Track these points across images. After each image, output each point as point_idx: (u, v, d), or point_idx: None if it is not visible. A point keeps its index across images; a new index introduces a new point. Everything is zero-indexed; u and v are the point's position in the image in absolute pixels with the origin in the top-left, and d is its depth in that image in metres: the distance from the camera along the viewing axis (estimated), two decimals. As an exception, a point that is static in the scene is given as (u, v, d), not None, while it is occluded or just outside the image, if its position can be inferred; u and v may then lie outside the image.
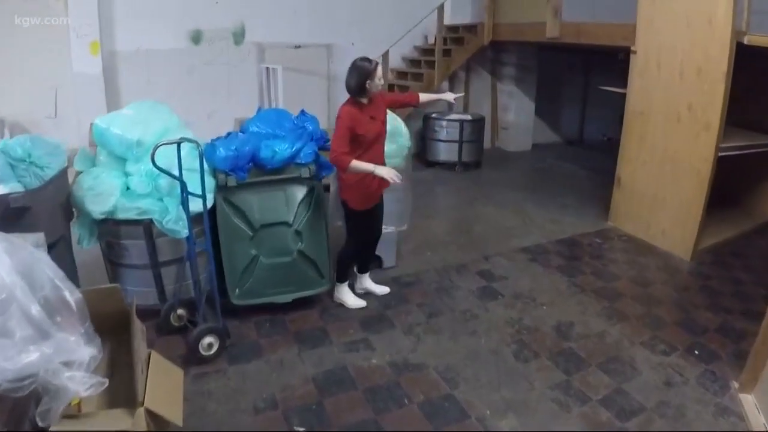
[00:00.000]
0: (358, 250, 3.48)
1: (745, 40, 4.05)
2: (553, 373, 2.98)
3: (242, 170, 3.11)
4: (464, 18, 7.70)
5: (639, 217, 5.14)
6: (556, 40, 6.04)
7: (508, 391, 2.82)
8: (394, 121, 3.67)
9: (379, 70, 3.02)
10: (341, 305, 3.55)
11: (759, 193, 5.95)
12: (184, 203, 2.79)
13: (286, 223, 3.27)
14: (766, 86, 5.02)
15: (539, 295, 3.89)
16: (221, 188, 3.09)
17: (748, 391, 2.87)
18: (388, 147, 3.68)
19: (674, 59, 4.50)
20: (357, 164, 2.95)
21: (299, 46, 6.68)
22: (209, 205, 2.92)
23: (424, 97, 3.54)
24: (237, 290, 3.22)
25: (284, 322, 3.33)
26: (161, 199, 2.94)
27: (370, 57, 3.10)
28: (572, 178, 7.39)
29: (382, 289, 3.73)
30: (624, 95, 5.27)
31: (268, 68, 6.49)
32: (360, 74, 2.96)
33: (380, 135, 3.17)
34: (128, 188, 2.98)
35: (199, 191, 2.81)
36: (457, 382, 2.87)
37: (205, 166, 2.96)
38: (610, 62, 9.51)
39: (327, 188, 3.57)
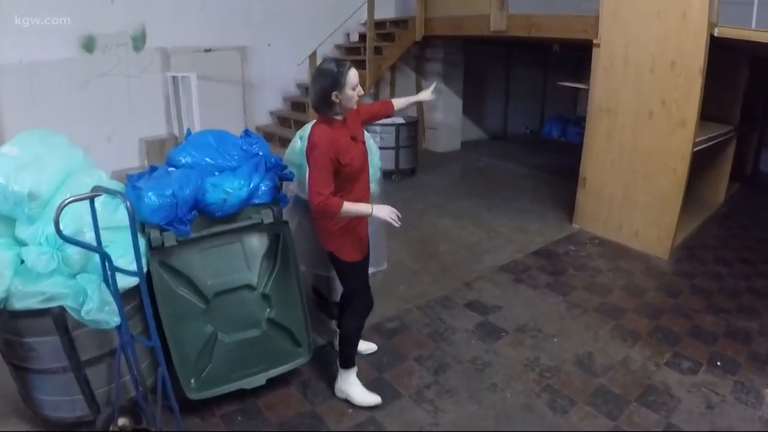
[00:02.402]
0: (366, 313, 2.76)
1: (715, 32, 4.08)
2: (597, 421, 2.71)
3: (183, 223, 2.41)
4: (388, 12, 7.41)
5: (608, 218, 5.08)
6: (501, 33, 5.87)
7: (563, 457, 2.46)
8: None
9: (352, 75, 2.31)
10: (324, 375, 2.95)
11: (708, 181, 6.19)
12: (110, 280, 2.08)
13: (248, 287, 2.63)
14: (721, 76, 5.15)
15: (543, 324, 3.62)
16: (156, 250, 2.37)
17: None
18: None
19: (644, 53, 4.45)
20: (350, 207, 2.32)
21: (209, 50, 5.99)
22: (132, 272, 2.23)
23: (398, 103, 2.93)
24: (193, 381, 2.51)
25: (260, 410, 2.67)
26: (74, 276, 2.18)
27: (336, 61, 2.40)
28: (516, 177, 7.37)
29: (369, 347, 3.18)
30: (579, 90, 5.21)
31: (175, 77, 5.74)
32: (324, 82, 2.28)
33: (366, 161, 2.54)
34: (23, 262, 2.19)
35: (127, 262, 2.16)
36: (503, 457, 2.43)
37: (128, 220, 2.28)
38: (536, 54, 9.76)
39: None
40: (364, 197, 2.51)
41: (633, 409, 2.81)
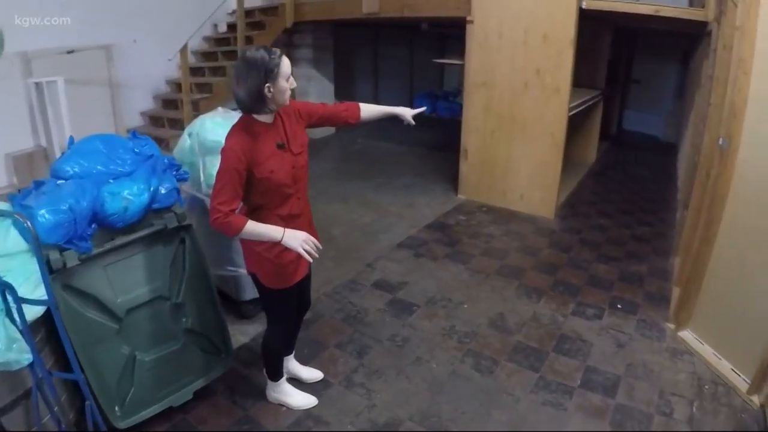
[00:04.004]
0: (285, 334, 2.65)
1: (583, 5, 4.53)
2: (523, 375, 2.99)
3: (84, 239, 2.30)
4: (253, 1, 7.30)
5: (493, 186, 5.49)
6: (374, 15, 6.02)
7: (500, 413, 2.71)
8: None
9: (286, 64, 2.05)
10: (248, 377, 2.95)
11: (581, 142, 6.87)
12: (16, 313, 1.97)
13: (160, 298, 2.56)
14: (587, 45, 5.72)
15: (451, 293, 3.87)
16: (57, 273, 2.25)
17: (683, 328, 3.32)
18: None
19: (517, 27, 4.83)
20: (256, 228, 2.08)
21: (72, 51, 5.56)
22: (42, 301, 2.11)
23: (367, 110, 2.57)
24: (117, 409, 2.42)
25: (192, 426, 2.61)
26: (-32, 315, 2.03)
27: (264, 48, 2.05)
28: (396, 155, 7.67)
29: (313, 376, 2.93)
30: (445, 66, 5.53)
31: (38, 83, 5.31)
32: (255, 75, 1.98)
33: (299, 174, 2.25)
34: None
35: (29, 290, 2.03)
36: (445, 425, 2.62)
37: (24, 244, 2.16)
38: (402, 33, 10.12)
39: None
40: (297, 218, 2.29)
41: (552, 358, 3.13)
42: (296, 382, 2.88)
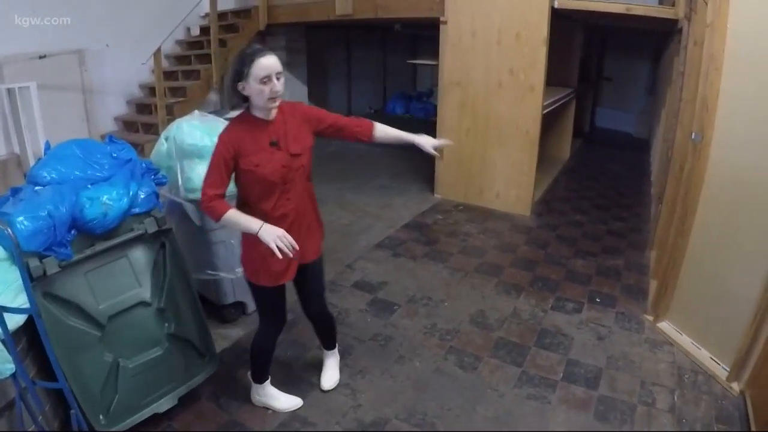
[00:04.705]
0: (271, 334, 2.61)
1: (556, 4, 4.62)
2: (506, 371, 3.04)
3: (64, 245, 2.28)
4: (227, 4, 7.27)
5: (469, 184, 5.56)
6: (347, 17, 6.05)
7: (485, 408, 2.75)
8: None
9: (259, 66, 2.05)
10: (232, 380, 2.96)
11: (555, 139, 7.00)
12: (-2, 324, 1.96)
13: (142, 303, 2.54)
14: (560, 43, 5.82)
15: (431, 292, 3.91)
16: (37, 280, 2.23)
17: (661, 320, 3.42)
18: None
19: (490, 27, 4.91)
20: (235, 217, 2.13)
21: (44, 56, 5.47)
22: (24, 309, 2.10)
23: (382, 132, 2.50)
24: (102, 417, 2.40)
25: (176, 433, 2.64)
26: (-52, 327, 2.00)
27: (254, 48, 2.12)
28: (370, 156, 7.69)
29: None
30: (417, 66, 5.59)
31: (10, 89, 5.22)
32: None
33: (290, 174, 2.24)
34: None
35: (8, 299, 2.02)
36: (431, 422, 2.65)
37: (2, 251, 2.15)
38: (374, 34, 10.18)
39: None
40: (285, 219, 2.27)
41: (534, 353, 3.19)
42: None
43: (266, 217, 2.20)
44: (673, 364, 3.07)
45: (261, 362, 2.69)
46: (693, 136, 3.04)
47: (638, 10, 4.55)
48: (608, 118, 9.71)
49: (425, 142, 2.52)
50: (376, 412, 2.72)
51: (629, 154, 7.93)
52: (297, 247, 2.13)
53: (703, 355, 3.06)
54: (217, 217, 2.14)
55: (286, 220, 2.28)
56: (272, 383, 2.79)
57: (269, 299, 2.50)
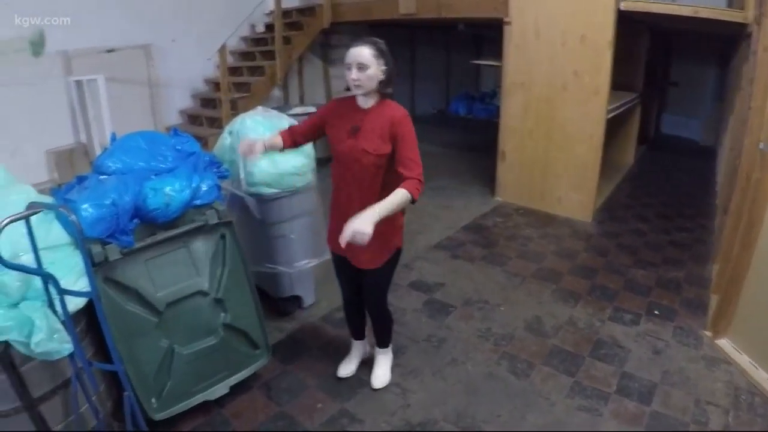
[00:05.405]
0: (344, 301, 2.83)
1: (621, 6, 4.41)
2: (558, 380, 2.91)
3: (126, 233, 2.30)
4: (291, 1, 7.30)
5: (530, 188, 5.38)
6: (411, 16, 5.97)
7: (535, 416, 2.64)
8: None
9: (352, 50, 2.21)
10: (284, 373, 2.94)
11: (618, 145, 6.70)
12: (59, 304, 1.97)
13: (200, 293, 2.54)
14: (625, 46, 5.58)
15: (488, 295, 3.79)
16: (99, 266, 2.26)
17: (721, 337, 3.21)
18: (297, 160, 3.17)
19: (555, 29, 4.73)
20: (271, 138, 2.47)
21: (113, 50, 5.66)
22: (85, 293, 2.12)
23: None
24: (154, 401, 2.43)
25: (227, 420, 2.62)
26: (15, 305, 2.04)
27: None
28: (432, 156, 7.50)
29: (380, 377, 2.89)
30: (481, 67, 5.44)
31: (79, 81, 5.40)
32: None
33: (354, 164, 2.30)
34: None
35: (71, 282, 2.05)
36: (479, 426, 2.56)
37: (67, 237, 2.16)
38: (438, 34, 10.06)
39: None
40: (341, 194, 2.41)
41: (588, 363, 3.04)
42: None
43: (345, 199, 2.39)
44: (730, 383, 2.87)
45: (347, 322, 2.94)
46: (761, 146, 2.84)
47: (705, 13, 4.28)
48: (674, 125, 9.26)
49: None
50: (425, 413, 2.65)
51: (694, 162, 7.52)
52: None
53: (762, 377, 2.84)
54: (281, 138, 2.49)
55: (340, 194, 2.43)
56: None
57: (334, 263, 2.68)
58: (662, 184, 6.40)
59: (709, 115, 8.61)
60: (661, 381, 2.89)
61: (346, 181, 2.36)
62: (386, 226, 2.24)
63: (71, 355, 2.06)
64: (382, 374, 2.88)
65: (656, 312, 3.57)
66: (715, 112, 8.35)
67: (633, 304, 3.67)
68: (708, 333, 3.30)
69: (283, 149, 2.52)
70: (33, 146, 5.27)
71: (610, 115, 4.87)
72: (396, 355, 3.07)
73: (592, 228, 5.00)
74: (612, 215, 5.33)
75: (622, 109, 5.51)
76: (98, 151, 4.72)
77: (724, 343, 3.18)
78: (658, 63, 8.15)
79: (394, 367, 2.97)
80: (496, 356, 3.10)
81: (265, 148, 2.45)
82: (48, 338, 1.97)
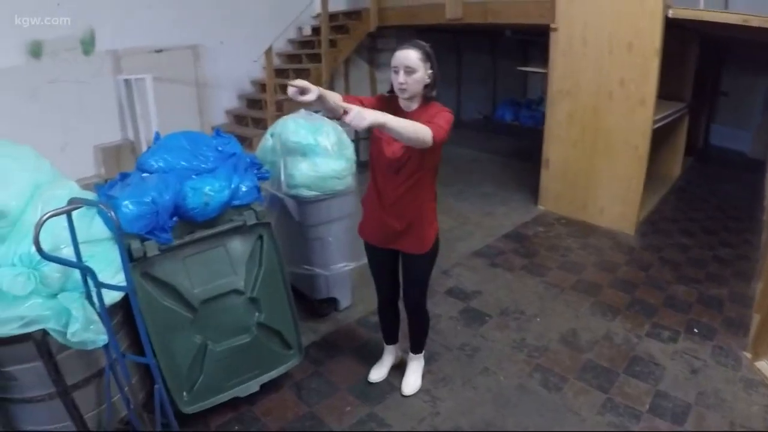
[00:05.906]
0: (379, 302, 2.79)
1: (670, 14, 4.25)
2: (591, 395, 2.81)
3: (165, 230, 2.33)
4: (339, 5, 7.31)
5: (573, 198, 5.23)
6: (457, 21, 5.90)
7: (564, 432, 2.55)
8: (335, 131, 3.17)
9: (398, 53, 2.18)
10: (316, 374, 2.93)
11: (665, 156, 6.46)
12: (96, 297, 2.01)
13: (235, 292, 2.56)
14: (673, 55, 5.37)
15: (524, 305, 3.70)
16: (137, 261, 2.29)
17: (761, 359, 3.04)
18: (338, 164, 3.15)
19: (602, 36, 4.59)
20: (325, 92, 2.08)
21: (161, 50, 5.78)
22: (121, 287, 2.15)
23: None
24: (185, 394, 2.45)
25: (256, 417, 2.63)
26: (54, 296, 2.08)
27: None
28: (476, 162, 7.49)
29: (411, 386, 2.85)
30: (528, 74, 5.32)
31: (127, 80, 5.53)
32: None
33: (387, 160, 2.31)
34: (-4, 287, 2.06)
35: (109, 276, 2.07)
36: (507, 438, 2.49)
37: (107, 231, 2.19)
38: (485, 40, 9.93)
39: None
40: (376, 182, 2.41)
41: (622, 380, 2.92)
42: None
43: (376, 193, 2.40)
44: (767, 408, 2.72)
45: (381, 326, 2.89)
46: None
47: (756, 21, 4.06)
48: (723, 136, 8.86)
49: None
50: (453, 422, 2.60)
51: (743, 175, 7.17)
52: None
53: (802, 404, 2.67)
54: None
55: (376, 183, 2.41)
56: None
57: (368, 257, 2.66)
58: (709, 198, 6.13)
59: (760, 126, 8.22)
60: (695, 402, 2.76)
61: (384, 176, 2.36)
62: (417, 219, 2.42)
63: (106, 346, 2.10)
64: (413, 381, 2.84)
65: (695, 330, 3.42)
66: (765, 123, 7.97)
67: (672, 320, 3.52)
68: (748, 354, 3.14)
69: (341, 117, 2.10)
70: (82, 142, 5.39)
71: (657, 126, 4.68)
72: (428, 362, 3.02)
73: (635, 241, 4.82)
74: (656, 228, 5.13)
75: (669, 120, 5.30)
76: (144, 148, 4.83)
77: (763, 365, 3.02)
78: (708, 72, 7.82)
79: (426, 373, 2.93)
80: (529, 368, 3.02)
81: (318, 97, 2.03)
82: (84, 329, 2.02)
